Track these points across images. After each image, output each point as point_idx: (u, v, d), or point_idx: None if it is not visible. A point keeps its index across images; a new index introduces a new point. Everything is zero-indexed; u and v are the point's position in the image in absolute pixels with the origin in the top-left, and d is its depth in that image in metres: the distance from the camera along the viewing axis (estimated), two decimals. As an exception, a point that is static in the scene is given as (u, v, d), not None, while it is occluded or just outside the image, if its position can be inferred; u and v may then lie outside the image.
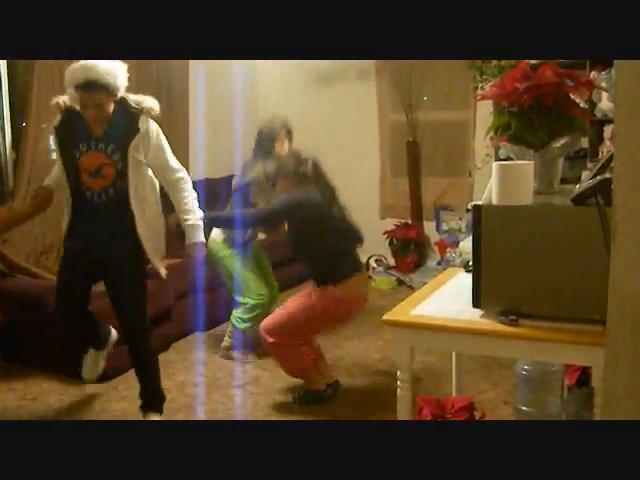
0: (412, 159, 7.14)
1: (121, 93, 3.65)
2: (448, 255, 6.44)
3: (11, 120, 5.43)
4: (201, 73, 6.78)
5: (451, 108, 6.77)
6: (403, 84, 6.92)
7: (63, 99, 3.76)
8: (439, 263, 6.75)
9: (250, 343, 5.00)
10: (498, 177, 2.66)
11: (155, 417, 3.93)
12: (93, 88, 3.52)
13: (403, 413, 2.97)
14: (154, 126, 3.75)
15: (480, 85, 5.74)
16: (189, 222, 3.96)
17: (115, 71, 3.57)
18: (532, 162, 2.69)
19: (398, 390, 2.97)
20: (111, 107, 3.67)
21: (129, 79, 3.68)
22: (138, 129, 3.68)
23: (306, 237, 4.09)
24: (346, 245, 4.22)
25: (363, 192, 7.24)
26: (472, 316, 2.74)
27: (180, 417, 4.13)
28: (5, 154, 5.41)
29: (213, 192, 6.64)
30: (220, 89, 6.60)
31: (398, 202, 7.39)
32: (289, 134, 4.91)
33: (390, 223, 7.30)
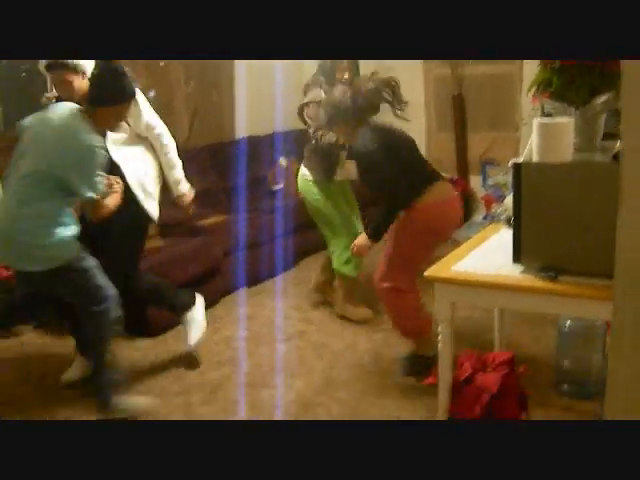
0: (458, 113, 7.09)
1: (87, 69, 3.79)
2: (494, 210, 6.40)
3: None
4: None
5: (497, 61, 6.67)
6: (448, 37, 6.86)
7: (52, 94, 4.04)
8: (485, 218, 6.73)
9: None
10: (538, 135, 2.68)
11: None
12: (56, 67, 3.78)
13: (444, 367, 3.03)
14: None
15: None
16: (174, 177, 4.30)
17: None
18: (572, 120, 2.69)
19: (439, 344, 3.03)
20: (85, 84, 3.76)
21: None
22: None
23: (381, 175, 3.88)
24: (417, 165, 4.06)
25: None
26: (512, 272, 2.78)
27: (226, 370, 4.24)
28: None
29: (256, 149, 6.72)
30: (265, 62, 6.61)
31: (444, 157, 7.35)
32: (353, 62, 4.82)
33: (436, 178, 7.28)
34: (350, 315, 4.91)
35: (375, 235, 3.96)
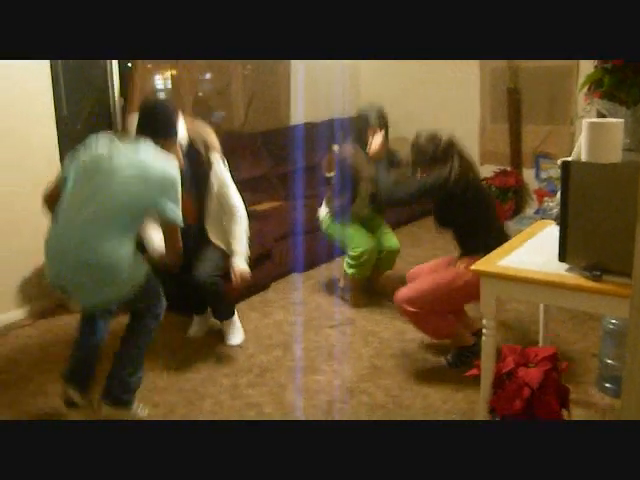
0: (512, 106, 7.08)
1: None
2: (546, 204, 6.39)
3: (119, 67, 5.64)
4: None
5: (554, 54, 6.63)
6: (506, 29, 6.84)
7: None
8: (537, 212, 6.71)
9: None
10: (587, 134, 2.70)
11: None
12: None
13: (487, 360, 3.09)
14: (222, 164, 4.41)
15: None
16: (235, 248, 4.34)
17: None
18: (622, 120, 2.70)
19: (483, 337, 3.09)
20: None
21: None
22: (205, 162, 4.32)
23: (454, 210, 4.03)
24: (493, 219, 4.16)
25: (463, 138, 7.13)
26: (557, 269, 2.82)
27: (277, 353, 4.35)
28: (114, 100, 5.65)
29: (312, 135, 6.78)
30: (323, 65, 6.70)
31: (498, 149, 7.35)
32: (384, 124, 4.87)
33: (489, 170, 7.28)
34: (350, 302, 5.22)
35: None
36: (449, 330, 4.08)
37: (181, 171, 3.52)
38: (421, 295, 3.97)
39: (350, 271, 5.17)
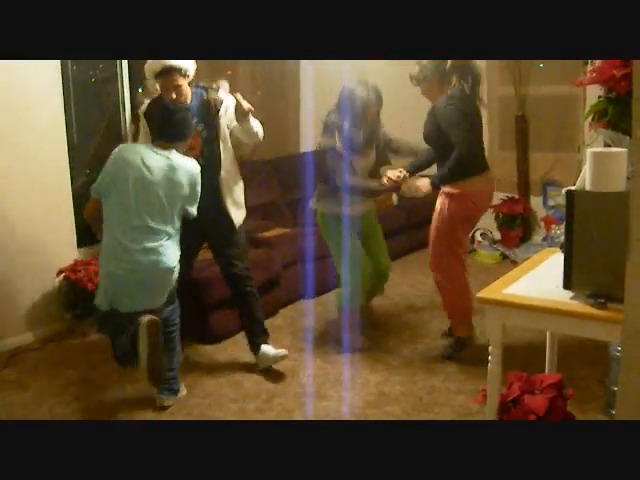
0: (520, 133, 7.11)
1: (191, 74, 4.23)
2: (553, 232, 6.42)
3: (130, 93, 5.71)
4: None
5: (561, 83, 6.68)
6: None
7: (142, 109, 4.40)
8: (545, 239, 6.73)
9: (357, 324, 4.93)
10: (592, 163, 2.73)
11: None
12: (169, 72, 4.11)
13: (492, 388, 3.10)
14: (225, 95, 4.40)
15: (590, 60, 5.67)
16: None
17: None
18: (626, 150, 2.74)
19: (489, 365, 3.10)
20: (188, 89, 4.28)
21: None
22: (215, 101, 4.33)
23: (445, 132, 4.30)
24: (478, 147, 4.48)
25: None
26: (562, 297, 2.84)
27: (283, 380, 4.37)
28: (125, 126, 5.72)
29: (320, 163, 6.81)
30: (330, 70, 6.75)
31: (505, 176, 7.36)
32: (380, 103, 4.76)
33: (497, 197, 7.28)
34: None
35: (440, 181, 4.41)
36: (467, 309, 4.56)
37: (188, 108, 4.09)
38: (433, 251, 4.55)
39: (339, 301, 4.96)
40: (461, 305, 4.57)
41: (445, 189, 4.39)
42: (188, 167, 3.85)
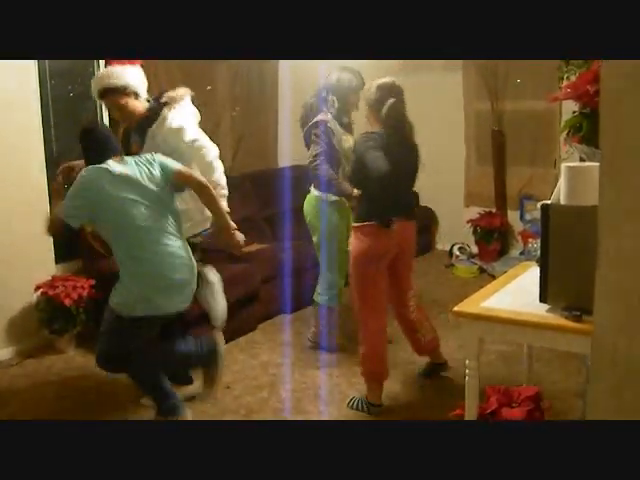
0: (497, 148, 7.18)
1: (139, 90, 4.11)
2: (530, 245, 6.46)
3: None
4: (288, 66, 6.98)
5: (537, 98, 6.75)
6: (489, 73, 6.98)
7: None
8: (522, 253, 6.78)
9: (333, 324, 5.10)
10: (566, 178, 2.77)
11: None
12: (105, 94, 4.07)
13: (470, 400, 3.12)
14: (173, 114, 4.10)
15: (566, 75, 5.72)
16: (212, 179, 4.12)
17: (122, 74, 4.04)
18: (599, 164, 2.76)
19: (466, 378, 3.12)
20: (140, 104, 4.14)
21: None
22: (155, 118, 4.10)
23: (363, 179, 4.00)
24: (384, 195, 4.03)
25: (448, 180, 7.33)
26: (539, 310, 2.87)
27: (263, 395, 4.36)
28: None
29: (300, 176, 6.83)
30: (309, 82, 6.77)
31: (483, 190, 7.44)
32: (362, 87, 4.74)
33: (474, 211, 7.37)
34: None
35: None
36: (380, 372, 4.18)
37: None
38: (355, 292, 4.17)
39: (319, 299, 5.05)
40: (371, 366, 4.19)
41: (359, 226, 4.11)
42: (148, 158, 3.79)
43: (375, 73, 4.31)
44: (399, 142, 4.05)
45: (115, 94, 4.04)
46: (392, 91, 4.07)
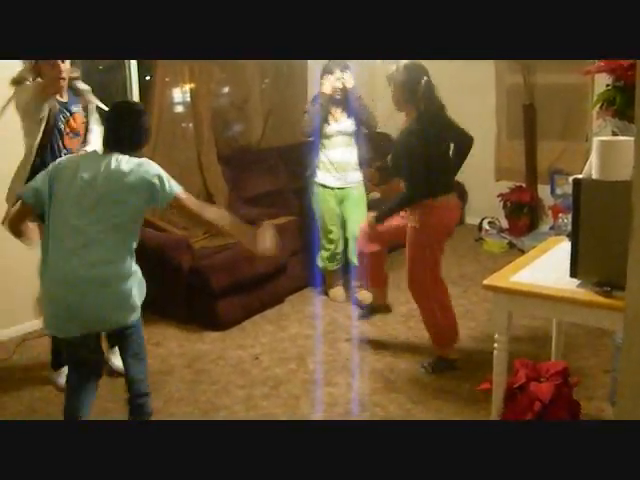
0: (528, 122, 7.10)
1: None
2: (560, 220, 6.40)
3: (138, 74, 5.69)
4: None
5: (569, 71, 6.65)
6: (522, 47, 6.89)
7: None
8: (552, 227, 6.72)
9: (339, 278, 5.69)
10: (598, 152, 2.74)
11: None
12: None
13: (499, 374, 3.12)
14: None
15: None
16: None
17: None
18: (632, 138, 2.74)
19: (495, 352, 3.12)
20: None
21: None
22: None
23: (408, 164, 4.14)
24: (443, 174, 4.25)
25: (478, 154, 7.17)
26: (569, 285, 2.86)
27: (292, 366, 4.39)
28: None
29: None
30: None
31: (513, 165, 7.37)
32: (345, 69, 5.21)
33: (504, 186, 7.31)
34: (331, 297, 5.61)
35: (378, 219, 4.43)
36: (449, 325, 4.34)
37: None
38: (410, 267, 4.28)
39: (320, 264, 5.61)
40: (443, 325, 4.34)
41: (411, 213, 4.23)
42: (135, 167, 3.15)
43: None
44: (438, 119, 4.17)
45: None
46: (422, 70, 4.11)
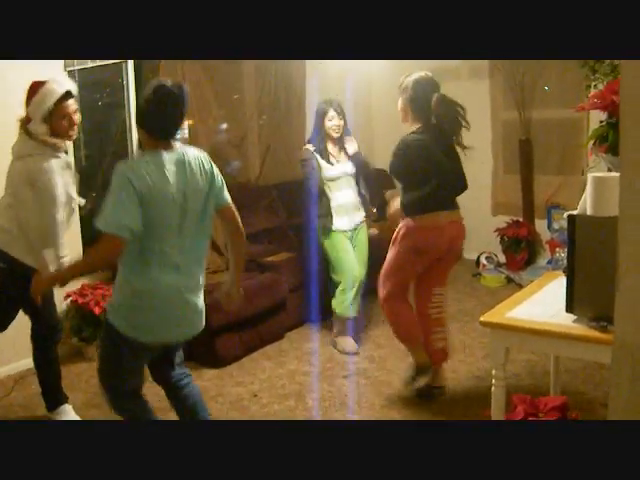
0: (524, 157, 7.15)
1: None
2: (557, 255, 6.43)
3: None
4: (317, 74, 7.01)
5: (564, 106, 6.71)
6: (516, 82, 6.96)
7: None
8: (549, 262, 6.74)
9: (353, 327, 5.36)
10: (592, 188, 2.78)
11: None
12: (71, 95, 3.80)
13: (496, 410, 3.12)
14: None
15: (593, 84, 5.71)
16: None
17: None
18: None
19: (493, 387, 3.13)
20: None
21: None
22: None
23: (404, 170, 4.20)
24: (440, 188, 4.18)
25: (475, 189, 7.21)
26: (565, 320, 2.87)
27: (290, 403, 4.38)
28: (132, 149, 5.78)
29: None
30: (336, 89, 6.76)
31: (510, 200, 7.41)
32: (340, 112, 5.29)
33: (501, 220, 7.34)
34: (340, 347, 5.30)
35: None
36: (410, 333, 4.36)
37: None
38: (383, 271, 4.34)
39: (339, 310, 5.32)
40: (409, 328, 4.37)
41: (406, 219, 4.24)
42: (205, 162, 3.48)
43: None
44: (445, 136, 4.30)
45: (74, 98, 3.82)
46: (433, 86, 4.21)
